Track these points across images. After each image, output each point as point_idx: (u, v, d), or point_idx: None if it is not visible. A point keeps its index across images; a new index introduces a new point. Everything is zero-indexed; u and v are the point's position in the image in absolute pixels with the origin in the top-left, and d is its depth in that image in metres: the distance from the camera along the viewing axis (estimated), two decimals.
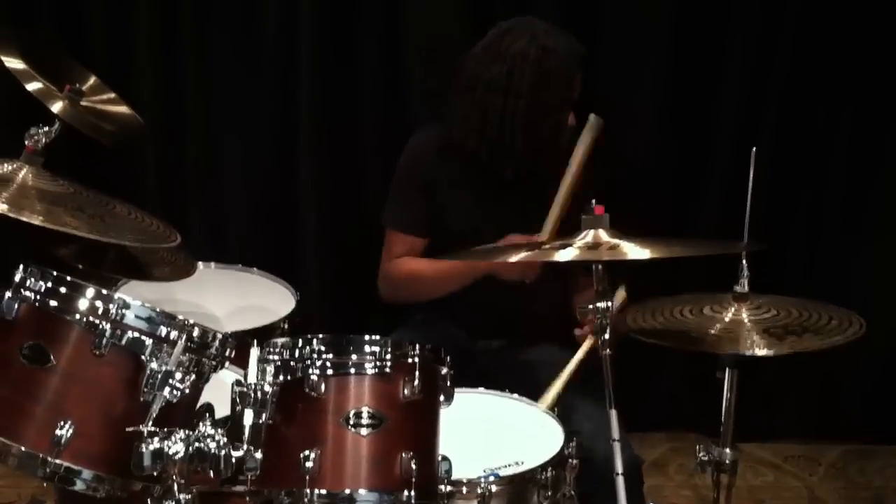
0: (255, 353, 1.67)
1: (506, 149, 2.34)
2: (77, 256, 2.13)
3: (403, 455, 1.62)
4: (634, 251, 1.66)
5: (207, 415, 1.60)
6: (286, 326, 2.48)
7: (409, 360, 1.64)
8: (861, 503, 3.15)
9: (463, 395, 2.14)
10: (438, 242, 2.47)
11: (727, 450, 1.88)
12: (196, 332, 1.66)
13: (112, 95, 2.41)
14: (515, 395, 2.20)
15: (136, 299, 1.65)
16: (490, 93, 2.33)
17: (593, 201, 1.76)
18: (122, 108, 2.43)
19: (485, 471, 1.85)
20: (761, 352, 1.68)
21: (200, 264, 2.70)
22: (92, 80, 2.35)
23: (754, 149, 1.75)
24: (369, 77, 3.11)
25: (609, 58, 3.03)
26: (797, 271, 3.29)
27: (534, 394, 2.20)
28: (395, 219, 2.50)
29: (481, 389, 2.19)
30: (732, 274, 1.87)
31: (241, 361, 1.74)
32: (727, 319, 1.80)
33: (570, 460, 1.98)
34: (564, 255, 1.65)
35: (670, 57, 3.09)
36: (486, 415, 2.14)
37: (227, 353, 1.73)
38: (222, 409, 1.69)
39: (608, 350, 1.69)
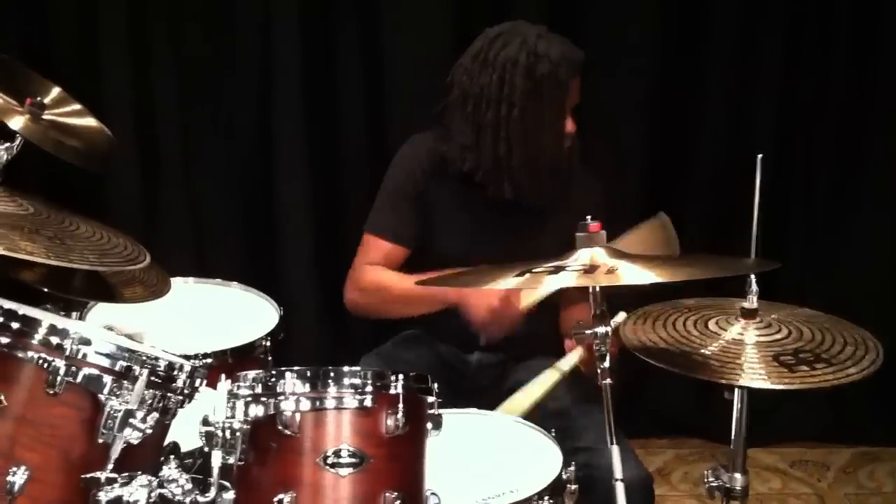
0: (223, 387, 1.54)
1: (502, 164, 2.20)
2: (43, 280, 2.01)
3: (388, 495, 1.50)
4: (635, 274, 1.52)
5: (172, 456, 1.47)
6: (268, 344, 2.37)
7: (392, 392, 1.52)
8: None
9: (453, 417, 2.04)
10: (420, 264, 2.32)
11: (738, 474, 1.75)
12: (162, 365, 1.53)
13: (78, 107, 2.30)
14: (509, 417, 2.07)
15: (97, 329, 1.53)
16: (482, 105, 2.19)
17: (588, 217, 1.62)
18: (89, 121, 2.31)
19: (476, 503, 1.72)
20: (769, 385, 1.55)
21: (178, 279, 2.60)
22: (55, 91, 2.23)
23: (760, 155, 1.61)
24: (350, 84, 3.01)
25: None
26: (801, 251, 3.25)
27: (529, 413, 2.08)
28: (378, 224, 2.35)
29: (473, 410, 2.06)
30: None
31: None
32: (733, 338, 1.66)
33: (568, 486, 1.85)
34: (557, 281, 1.51)
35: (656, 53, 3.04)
36: (478, 438, 2.02)
37: (196, 385, 1.61)
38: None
39: (608, 380, 1.55)
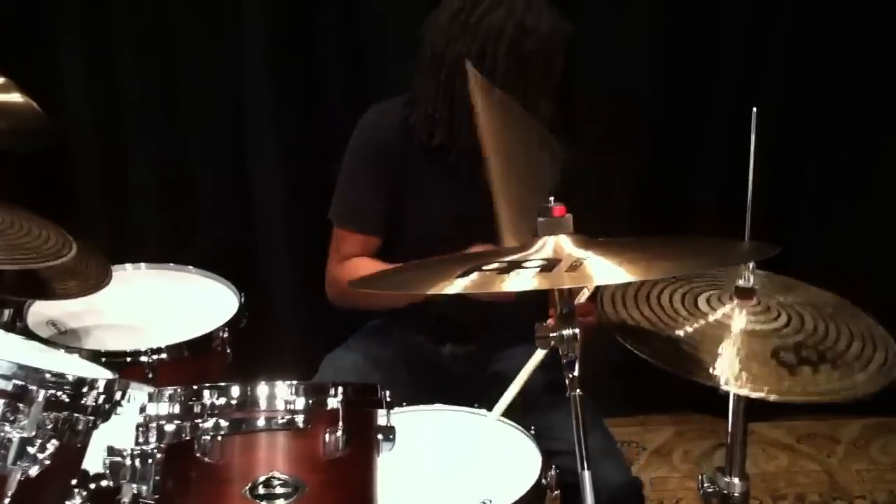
0: (131, 408, 1.34)
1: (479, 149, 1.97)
2: None
3: None
4: (604, 272, 1.28)
5: (77, 490, 1.27)
6: (226, 335, 2.18)
7: (330, 408, 1.31)
8: (888, 487, 2.84)
9: (419, 414, 1.85)
10: (395, 240, 2.10)
11: (736, 479, 1.55)
12: (67, 382, 1.33)
13: (2, 81, 2.08)
14: (483, 411, 1.87)
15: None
16: (457, 76, 1.92)
17: (551, 199, 1.39)
18: (16, 97, 2.09)
19: None
20: (763, 395, 1.33)
21: (128, 266, 2.42)
22: None
23: (755, 109, 1.37)
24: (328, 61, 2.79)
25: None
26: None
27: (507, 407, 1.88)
28: (344, 214, 2.12)
29: (439, 406, 1.87)
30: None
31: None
32: (724, 322, 1.43)
33: (549, 492, 1.66)
34: (511, 282, 1.26)
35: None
36: (448, 438, 1.82)
37: (115, 400, 1.41)
38: None
39: (577, 391, 1.33)
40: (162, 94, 2.79)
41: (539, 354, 1.73)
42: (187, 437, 1.28)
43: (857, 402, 1.38)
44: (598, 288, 1.77)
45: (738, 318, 1.46)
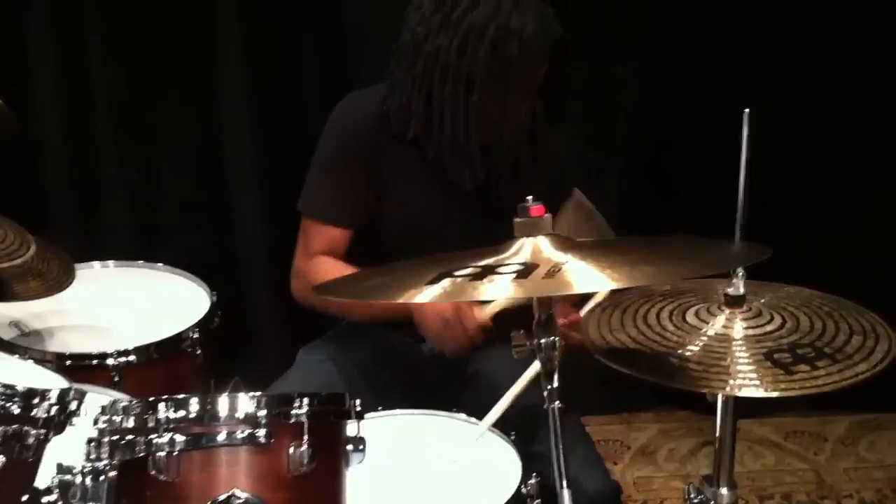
0: (82, 423, 1.26)
1: (461, 150, 1.88)
2: None
3: None
4: (585, 278, 1.20)
5: None
6: (196, 335, 2.11)
7: (294, 421, 1.24)
8: (875, 486, 2.79)
9: (392, 420, 1.78)
10: (370, 238, 2.02)
11: (724, 490, 1.48)
12: (19, 392, 1.25)
13: None
14: (462, 416, 1.80)
15: None
16: (435, 72, 1.85)
17: (529, 199, 1.31)
18: None
19: None
20: (762, 393, 1.27)
21: (96, 263, 2.35)
22: None
23: (747, 111, 1.30)
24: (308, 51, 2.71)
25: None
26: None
27: (489, 410, 1.81)
28: (313, 203, 2.02)
29: (413, 411, 1.81)
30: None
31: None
32: (716, 333, 1.38)
33: (529, 501, 1.59)
34: (484, 290, 1.17)
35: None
36: (422, 445, 1.75)
37: (69, 411, 1.32)
38: None
39: (557, 402, 1.25)
40: (135, 90, 2.71)
41: (535, 367, 1.66)
42: (142, 454, 1.20)
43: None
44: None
45: (736, 327, 1.40)
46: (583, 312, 1.75)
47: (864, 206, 3.00)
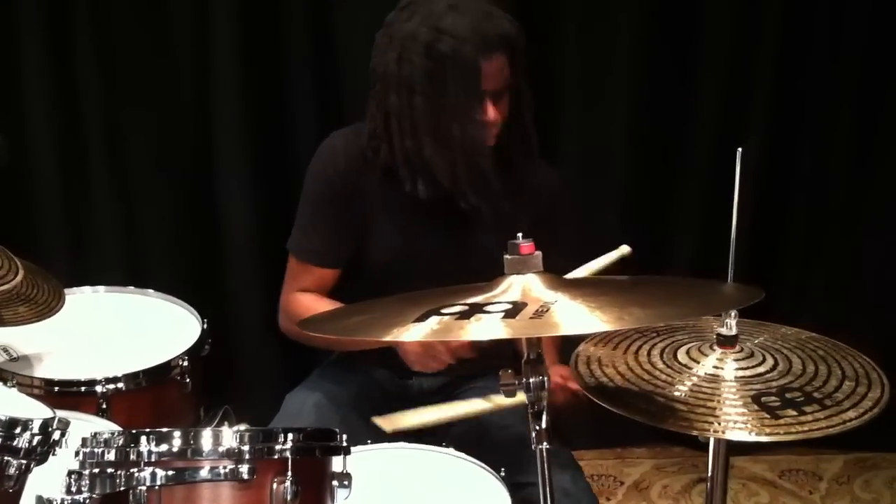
0: (64, 455, 1.24)
1: (412, 159, 1.88)
2: None
3: None
4: (575, 317, 1.17)
5: None
6: (185, 363, 2.09)
7: (278, 456, 1.22)
8: None
9: (380, 454, 1.75)
10: (357, 273, 2.01)
11: None
12: (2, 421, 1.24)
13: None
14: (451, 450, 1.78)
15: None
16: (386, 87, 1.87)
17: (519, 235, 1.30)
18: None
19: None
20: (748, 437, 1.26)
21: (87, 289, 2.35)
22: None
23: (740, 149, 1.29)
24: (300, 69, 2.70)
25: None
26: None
27: (477, 445, 1.80)
28: (301, 246, 2.03)
29: (402, 444, 1.78)
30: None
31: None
32: (706, 373, 1.36)
33: None
34: (471, 330, 1.15)
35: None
36: (409, 483, 1.72)
37: (52, 441, 1.31)
38: None
39: (545, 444, 1.23)
40: (128, 118, 2.71)
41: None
42: (122, 487, 1.19)
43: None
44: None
45: (727, 367, 1.38)
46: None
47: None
